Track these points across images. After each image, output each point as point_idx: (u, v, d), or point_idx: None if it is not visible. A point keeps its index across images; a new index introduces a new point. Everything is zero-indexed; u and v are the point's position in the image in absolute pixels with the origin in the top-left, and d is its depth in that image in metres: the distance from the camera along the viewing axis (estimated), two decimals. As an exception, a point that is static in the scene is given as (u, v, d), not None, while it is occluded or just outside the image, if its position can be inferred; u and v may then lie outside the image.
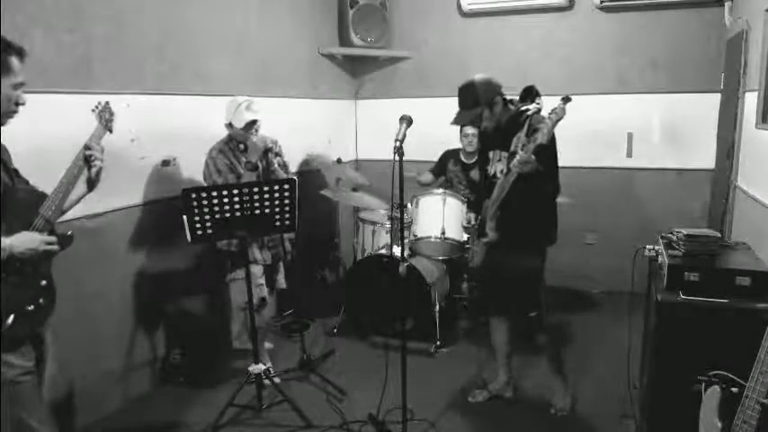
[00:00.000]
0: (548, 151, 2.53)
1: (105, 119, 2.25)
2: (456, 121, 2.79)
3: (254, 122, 3.14)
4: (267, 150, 3.15)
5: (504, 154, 2.73)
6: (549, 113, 2.40)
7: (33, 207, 2.02)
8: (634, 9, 4.56)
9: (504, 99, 2.77)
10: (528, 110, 2.63)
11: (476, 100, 2.69)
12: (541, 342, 3.04)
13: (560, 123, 2.42)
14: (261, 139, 3.13)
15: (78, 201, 2.23)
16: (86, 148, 2.16)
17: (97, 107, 2.26)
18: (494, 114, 2.73)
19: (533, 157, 2.45)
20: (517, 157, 2.50)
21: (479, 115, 2.72)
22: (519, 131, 2.60)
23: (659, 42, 4.52)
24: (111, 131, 2.28)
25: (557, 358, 3.08)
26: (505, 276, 2.87)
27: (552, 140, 2.58)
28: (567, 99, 2.38)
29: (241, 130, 3.13)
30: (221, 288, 3.56)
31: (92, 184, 2.23)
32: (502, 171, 2.75)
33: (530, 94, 2.73)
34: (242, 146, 3.20)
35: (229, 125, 3.16)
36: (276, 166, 3.23)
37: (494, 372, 3.26)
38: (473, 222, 2.99)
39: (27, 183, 2.12)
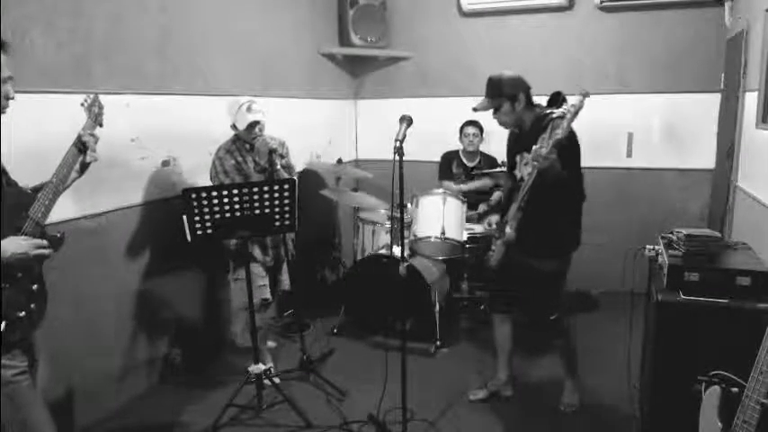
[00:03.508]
0: (567, 152, 2.53)
1: (95, 113, 2.23)
2: (476, 107, 2.85)
3: (256, 124, 3.14)
4: (271, 152, 3.16)
5: (530, 156, 2.73)
6: (569, 107, 2.42)
7: (23, 210, 1.98)
8: (634, 9, 4.56)
9: (530, 101, 2.80)
10: (552, 113, 2.64)
11: (499, 91, 2.76)
12: (559, 343, 3.04)
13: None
14: (264, 142, 3.14)
15: (69, 186, 2.17)
16: (80, 137, 2.13)
17: (86, 101, 2.23)
18: (514, 111, 2.76)
19: (554, 155, 2.43)
20: (534, 150, 2.49)
21: (499, 107, 2.77)
22: (543, 134, 2.59)
23: (659, 42, 4.52)
24: (101, 125, 2.25)
25: (573, 360, 3.08)
26: (522, 277, 2.86)
27: (574, 141, 2.60)
28: (586, 93, 2.41)
29: (244, 131, 3.15)
30: (221, 287, 3.57)
31: (84, 168, 2.18)
32: (529, 174, 2.73)
33: (556, 99, 2.76)
34: (248, 145, 3.22)
35: (233, 126, 3.18)
36: (279, 167, 3.22)
37: (493, 370, 3.26)
38: (494, 224, 2.99)
39: (16, 184, 2.08)
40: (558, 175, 2.50)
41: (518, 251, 2.81)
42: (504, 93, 2.75)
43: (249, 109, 3.12)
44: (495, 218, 3.06)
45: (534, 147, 2.50)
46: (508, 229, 2.75)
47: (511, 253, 2.84)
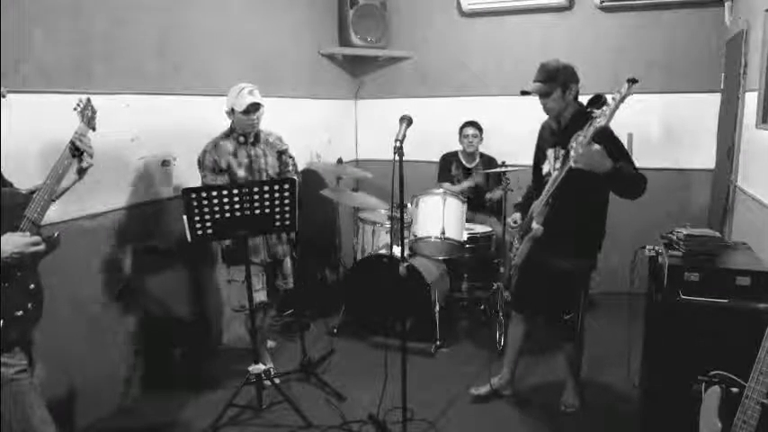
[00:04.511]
0: (610, 143, 2.46)
1: (87, 117, 2.23)
2: (527, 89, 2.74)
3: (256, 107, 3.05)
4: (281, 153, 3.19)
5: (563, 152, 2.68)
6: (614, 93, 2.33)
7: (18, 210, 1.99)
8: (634, 9, 4.56)
9: (577, 94, 2.75)
10: (593, 112, 2.55)
11: (554, 76, 2.69)
12: (569, 344, 3.01)
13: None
14: (274, 144, 3.20)
15: (68, 189, 2.18)
16: (73, 142, 2.13)
17: (78, 105, 2.23)
18: (564, 99, 2.71)
19: (597, 146, 2.36)
20: (576, 142, 2.41)
21: (551, 93, 2.69)
22: (579, 131, 2.52)
23: (659, 42, 4.52)
24: (94, 129, 2.25)
25: (577, 361, 3.07)
26: (545, 276, 2.83)
27: (611, 132, 2.54)
28: (633, 80, 2.30)
29: (241, 114, 3.04)
30: (219, 288, 3.57)
31: (82, 173, 2.18)
32: (557, 169, 2.70)
33: (597, 101, 2.69)
34: (242, 137, 3.15)
35: (231, 112, 3.09)
36: (290, 167, 3.24)
37: (493, 369, 3.27)
38: (519, 223, 2.97)
39: (11, 185, 2.08)
40: (601, 164, 2.39)
41: (543, 249, 2.78)
42: (558, 79, 2.69)
43: (251, 92, 3.03)
44: (517, 215, 3.01)
45: (575, 142, 2.42)
46: (535, 225, 2.71)
47: (534, 250, 2.81)
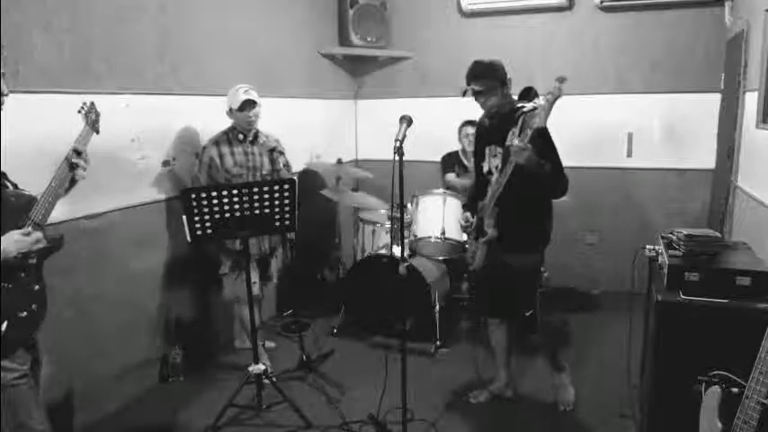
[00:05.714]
0: (541, 140, 2.51)
1: (92, 119, 2.23)
2: (467, 89, 2.74)
3: (251, 103, 3.21)
4: (272, 151, 3.23)
5: (500, 150, 2.72)
6: (546, 94, 2.35)
7: (23, 212, 1.99)
8: (634, 9, 4.55)
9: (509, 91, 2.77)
10: (524, 107, 2.61)
11: (494, 72, 2.71)
12: (538, 341, 3.05)
13: (562, 122, 2.39)
14: (264, 145, 3.28)
15: (63, 196, 2.16)
16: (75, 153, 2.12)
17: (83, 107, 2.24)
18: (504, 96, 2.72)
19: (530, 145, 2.41)
20: (513, 144, 2.46)
21: (492, 90, 2.69)
22: (513, 127, 2.58)
23: (659, 42, 4.52)
24: (97, 132, 2.26)
25: (554, 355, 3.10)
26: (504, 276, 2.86)
27: (546, 131, 2.56)
28: (562, 79, 2.33)
29: (238, 111, 3.21)
30: (220, 287, 3.56)
31: (71, 185, 2.18)
32: (497, 167, 2.73)
33: (528, 94, 2.72)
34: (240, 135, 3.28)
35: (230, 111, 3.26)
36: (281, 165, 3.29)
37: (494, 372, 3.26)
38: (471, 221, 2.98)
39: (15, 186, 2.09)
40: (537, 165, 2.48)
41: (496, 248, 2.81)
42: (498, 75, 2.71)
43: (246, 92, 3.22)
44: (468, 214, 3.01)
45: (512, 142, 2.48)
46: (490, 230, 2.75)
47: (490, 252, 2.84)
